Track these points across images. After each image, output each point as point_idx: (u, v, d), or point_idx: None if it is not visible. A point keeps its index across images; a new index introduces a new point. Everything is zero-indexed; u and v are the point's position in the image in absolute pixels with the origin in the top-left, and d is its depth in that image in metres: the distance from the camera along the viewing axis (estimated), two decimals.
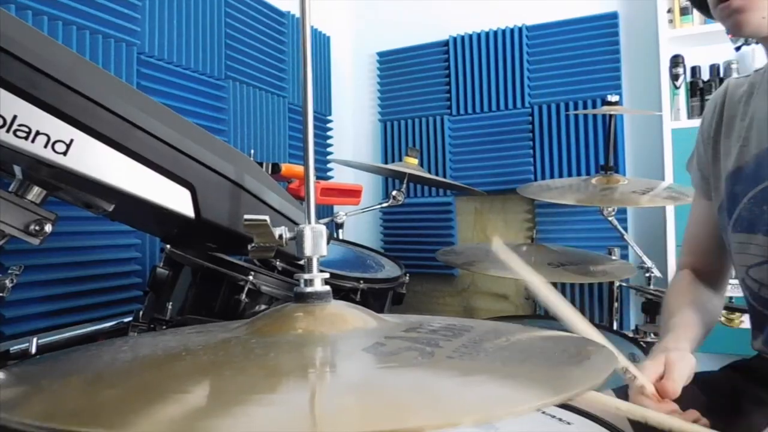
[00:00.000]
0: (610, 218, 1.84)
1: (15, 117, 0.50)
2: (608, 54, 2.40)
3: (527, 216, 2.56)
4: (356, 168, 2.48)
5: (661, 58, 2.21)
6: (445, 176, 2.64)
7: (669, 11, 2.24)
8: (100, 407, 0.36)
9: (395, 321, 0.55)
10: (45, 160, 0.52)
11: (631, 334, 1.62)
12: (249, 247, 0.56)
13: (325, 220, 1.95)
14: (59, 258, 1.48)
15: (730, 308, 1.38)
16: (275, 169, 1.68)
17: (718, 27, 2.11)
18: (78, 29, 1.53)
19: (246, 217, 0.53)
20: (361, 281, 1.28)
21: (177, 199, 0.60)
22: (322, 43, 2.73)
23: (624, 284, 1.93)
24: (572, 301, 2.41)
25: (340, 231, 1.90)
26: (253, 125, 2.20)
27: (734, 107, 0.93)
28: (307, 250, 0.54)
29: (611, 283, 1.93)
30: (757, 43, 1.47)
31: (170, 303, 1.13)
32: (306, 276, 0.54)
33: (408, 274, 1.50)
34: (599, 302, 2.38)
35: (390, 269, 1.53)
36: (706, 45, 2.24)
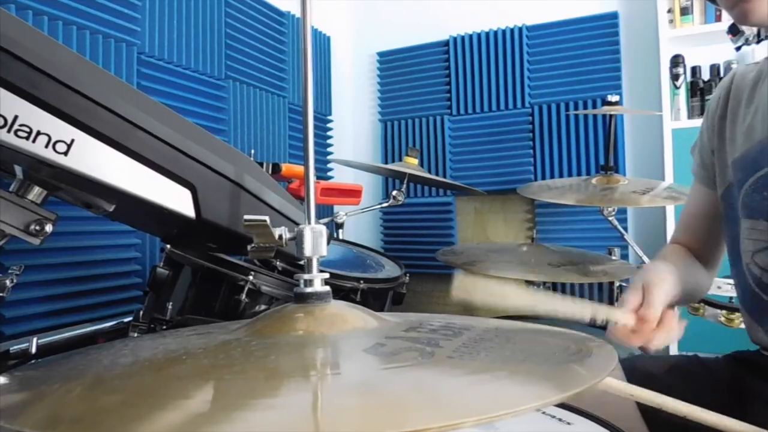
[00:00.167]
0: (610, 218, 1.84)
1: (16, 117, 0.50)
2: (608, 54, 2.40)
3: (527, 216, 2.56)
4: (356, 168, 2.48)
5: (661, 58, 2.21)
6: (445, 176, 2.64)
7: (669, 11, 2.24)
8: (101, 414, 0.36)
9: (395, 320, 0.55)
10: (46, 160, 0.52)
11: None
12: (249, 247, 0.56)
13: (325, 220, 1.95)
14: (59, 258, 1.48)
15: (730, 308, 1.38)
16: (275, 169, 1.68)
17: (718, 27, 2.09)
18: (78, 29, 1.53)
19: (246, 217, 0.53)
20: (361, 281, 1.28)
21: (177, 199, 0.60)
22: (322, 43, 2.73)
23: (624, 284, 1.93)
24: None
25: (340, 231, 1.90)
26: (253, 125, 2.20)
27: (741, 94, 0.93)
28: (307, 251, 0.54)
29: (611, 283, 1.93)
30: (757, 42, 1.47)
31: (170, 303, 1.13)
32: (306, 276, 0.54)
33: (408, 274, 1.50)
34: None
35: (390, 269, 1.53)
36: (706, 45, 2.24)
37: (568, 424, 0.69)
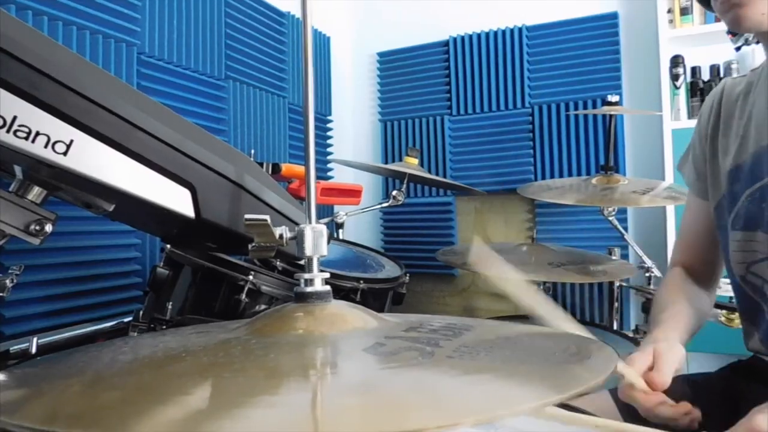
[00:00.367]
0: (610, 218, 1.84)
1: (15, 117, 0.50)
2: (608, 54, 2.40)
3: (527, 216, 2.56)
4: (356, 168, 2.48)
5: (661, 58, 2.20)
6: (445, 176, 2.64)
7: (669, 11, 2.24)
8: (100, 410, 0.36)
9: (395, 320, 0.55)
10: (45, 161, 0.52)
11: (631, 334, 1.62)
12: (249, 247, 0.56)
13: (326, 220, 1.95)
14: (59, 258, 1.48)
15: (730, 308, 1.38)
16: (275, 169, 1.69)
17: (718, 27, 2.09)
18: (78, 29, 1.53)
19: (246, 217, 0.53)
20: (361, 281, 1.28)
21: (177, 199, 0.60)
22: (322, 43, 2.73)
23: (624, 284, 1.93)
24: (572, 301, 2.42)
25: (340, 231, 1.90)
26: (253, 125, 2.20)
27: (732, 105, 0.93)
28: (308, 250, 0.54)
29: (611, 283, 1.93)
30: (757, 42, 1.47)
31: (170, 303, 1.13)
32: (306, 276, 0.54)
33: (408, 274, 1.50)
34: (599, 302, 2.38)
35: (390, 269, 1.53)
36: (706, 45, 2.24)
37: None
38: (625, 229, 2.11)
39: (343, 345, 0.48)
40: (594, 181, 1.89)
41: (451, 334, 0.50)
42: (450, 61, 2.68)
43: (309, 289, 0.54)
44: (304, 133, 0.57)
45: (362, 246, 1.73)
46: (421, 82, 2.76)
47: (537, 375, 0.43)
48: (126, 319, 1.56)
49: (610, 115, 1.95)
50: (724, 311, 1.36)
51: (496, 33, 2.58)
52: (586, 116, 2.42)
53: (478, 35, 2.62)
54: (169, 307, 1.13)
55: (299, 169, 1.70)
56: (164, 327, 1.11)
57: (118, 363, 0.50)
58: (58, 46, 0.58)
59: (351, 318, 0.53)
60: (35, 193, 0.60)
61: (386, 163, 2.74)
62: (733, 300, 1.40)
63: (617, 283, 1.92)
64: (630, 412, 0.84)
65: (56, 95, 0.51)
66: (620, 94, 2.28)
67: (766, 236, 0.83)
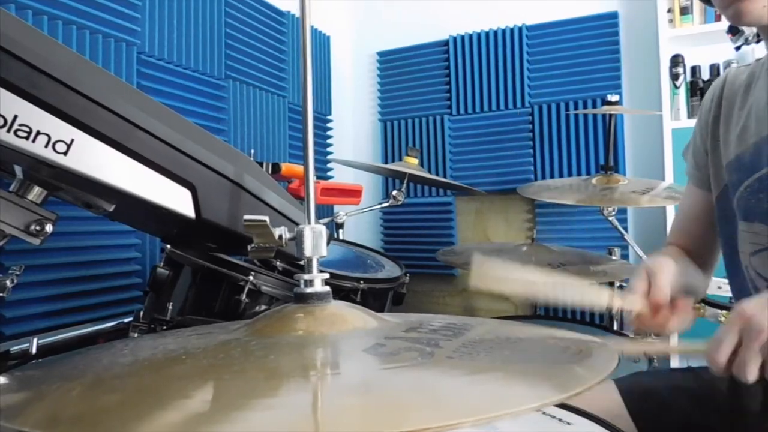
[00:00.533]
0: (610, 218, 1.84)
1: (15, 117, 0.50)
2: (608, 54, 2.40)
3: (527, 216, 2.55)
4: (356, 168, 2.48)
5: (661, 57, 2.20)
6: (445, 176, 2.64)
7: (669, 11, 2.24)
8: (100, 413, 0.36)
9: (395, 321, 0.55)
10: (46, 160, 0.52)
11: (631, 335, 1.62)
12: (249, 247, 0.56)
13: (325, 220, 1.95)
14: (59, 258, 1.48)
15: (730, 308, 1.38)
16: (275, 169, 1.69)
17: (717, 27, 2.09)
18: (78, 29, 1.53)
19: (246, 217, 0.53)
20: (361, 281, 1.28)
21: (177, 199, 0.60)
22: (322, 43, 2.73)
23: (624, 284, 1.93)
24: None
25: (340, 231, 1.90)
26: (253, 125, 2.19)
27: (733, 96, 0.93)
28: (307, 251, 0.54)
29: (611, 283, 1.92)
30: (757, 42, 1.46)
31: (170, 303, 1.13)
32: (306, 276, 0.54)
33: (408, 274, 1.50)
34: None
35: (390, 269, 1.53)
36: (706, 45, 2.24)
37: (568, 424, 0.69)
38: (625, 229, 2.11)
39: (343, 345, 0.48)
40: (594, 181, 1.89)
41: (451, 334, 0.50)
42: (450, 60, 2.68)
43: (309, 289, 0.53)
44: (303, 133, 0.56)
45: (362, 246, 1.73)
46: (421, 81, 2.76)
47: (537, 375, 0.43)
48: (126, 320, 1.56)
49: (610, 115, 1.95)
50: (724, 311, 1.36)
51: (495, 32, 2.58)
52: (586, 116, 2.42)
53: (478, 35, 2.62)
54: (170, 307, 1.13)
55: (299, 169, 1.70)
56: (164, 327, 1.11)
57: (118, 365, 0.50)
58: (59, 46, 0.58)
59: (351, 318, 0.52)
60: (35, 193, 0.60)
61: (386, 163, 2.74)
62: (733, 300, 1.40)
63: (617, 283, 1.92)
64: (635, 402, 0.84)
65: (56, 95, 0.51)
66: (620, 94, 2.28)
67: (764, 227, 0.84)
